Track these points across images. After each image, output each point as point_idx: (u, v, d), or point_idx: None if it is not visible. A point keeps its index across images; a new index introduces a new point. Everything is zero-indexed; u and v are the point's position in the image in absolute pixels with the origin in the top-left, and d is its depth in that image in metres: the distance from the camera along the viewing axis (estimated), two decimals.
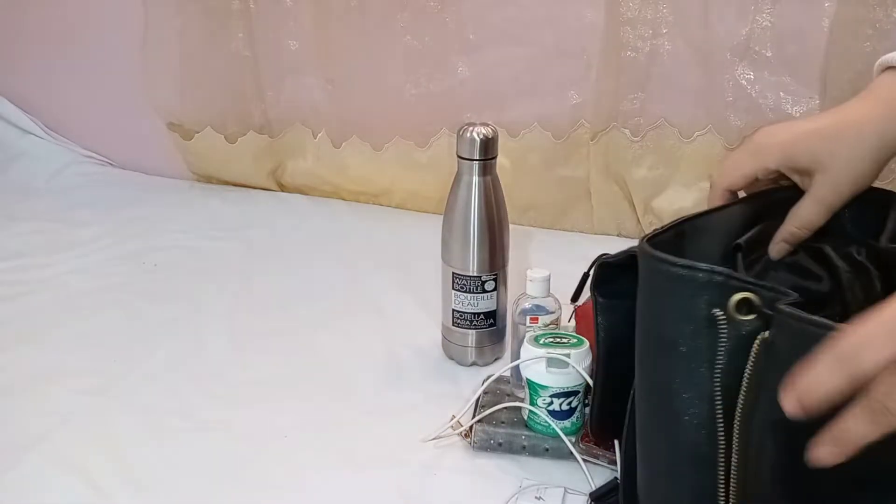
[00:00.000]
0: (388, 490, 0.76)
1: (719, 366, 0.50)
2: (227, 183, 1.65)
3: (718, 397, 0.50)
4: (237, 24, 1.47)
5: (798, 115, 1.19)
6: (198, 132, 1.57)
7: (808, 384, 0.42)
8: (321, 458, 0.81)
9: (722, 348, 0.49)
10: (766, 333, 0.46)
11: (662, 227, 0.59)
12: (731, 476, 0.51)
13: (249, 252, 1.34)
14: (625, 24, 1.22)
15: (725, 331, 0.49)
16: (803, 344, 0.44)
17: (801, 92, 1.18)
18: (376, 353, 1.01)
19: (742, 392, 0.48)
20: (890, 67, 0.61)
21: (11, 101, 1.78)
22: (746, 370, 0.47)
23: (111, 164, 1.76)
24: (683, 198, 1.30)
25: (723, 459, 0.51)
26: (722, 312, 0.49)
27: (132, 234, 1.40)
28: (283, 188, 1.63)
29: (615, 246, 1.23)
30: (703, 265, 0.50)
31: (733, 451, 0.51)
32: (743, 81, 1.19)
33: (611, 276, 0.64)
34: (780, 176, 0.64)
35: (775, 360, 0.46)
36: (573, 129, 1.33)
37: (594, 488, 0.74)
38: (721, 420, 0.51)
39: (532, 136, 1.35)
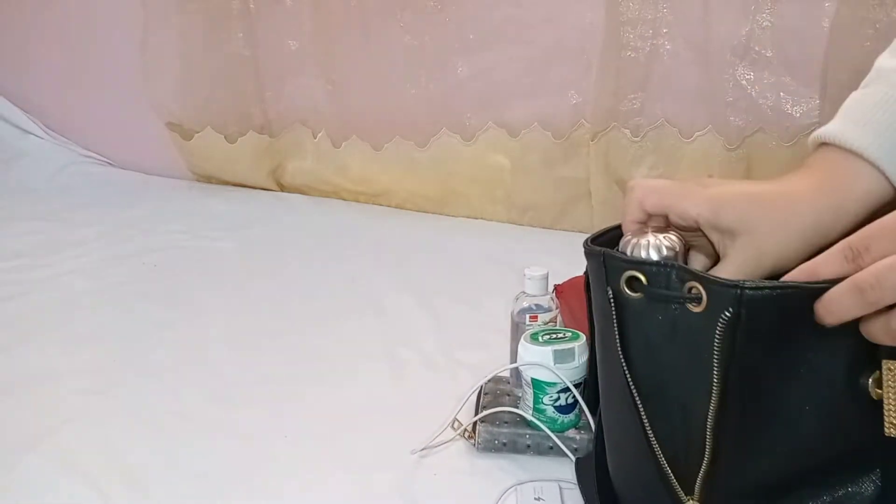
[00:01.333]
0: (387, 490, 0.76)
1: (617, 341, 0.54)
2: (227, 183, 1.65)
3: (625, 368, 0.54)
4: (237, 24, 1.48)
5: (798, 115, 1.19)
6: (198, 132, 1.57)
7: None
8: (321, 459, 0.81)
9: (615, 324, 0.54)
10: (729, 310, 0.47)
11: (607, 228, 0.61)
12: (669, 456, 0.54)
13: (249, 252, 1.34)
14: (625, 24, 1.22)
15: (614, 309, 0.54)
16: (772, 312, 0.46)
17: (801, 92, 1.18)
18: (376, 353, 1.01)
19: (715, 371, 0.49)
20: (824, 143, 0.57)
21: (11, 101, 1.78)
22: (714, 351, 0.48)
23: (111, 164, 1.77)
24: None
25: (651, 432, 0.54)
26: (611, 290, 0.54)
27: (132, 234, 1.40)
28: (283, 188, 1.63)
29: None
30: (598, 249, 0.55)
31: (656, 419, 0.54)
32: (743, 81, 1.19)
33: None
34: (683, 228, 0.58)
35: (748, 334, 0.47)
36: (573, 129, 1.33)
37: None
38: (635, 392, 0.54)
39: (532, 136, 1.35)
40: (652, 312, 0.52)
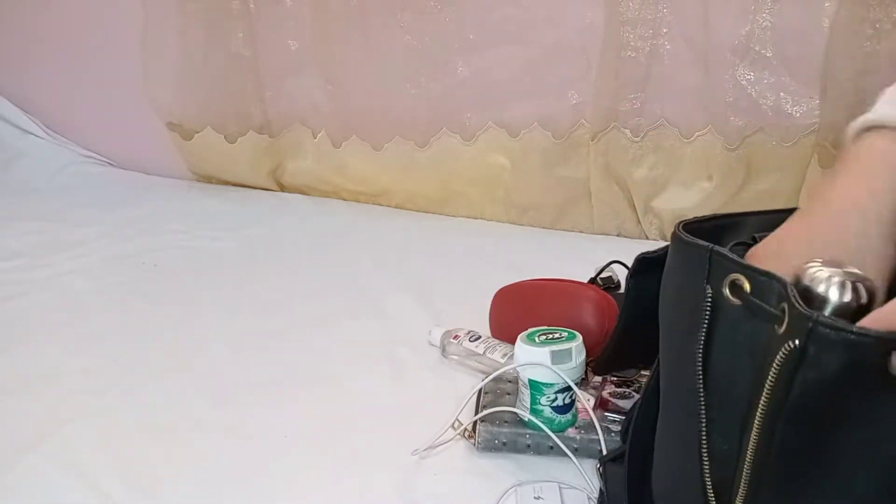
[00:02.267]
0: (388, 490, 0.76)
1: (700, 344, 0.51)
2: (227, 183, 1.65)
3: (700, 373, 0.51)
4: (237, 24, 1.48)
5: (798, 115, 1.19)
6: (198, 132, 1.57)
7: None
8: (321, 458, 0.81)
9: (705, 326, 0.51)
10: (796, 342, 0.44)
11: (701, 217, 0.58)
12: (715, 478, 0.52)
13: (249, 252, 1.34)
14: (625, 24, 1.22)
15: (708, 310, 0.50)
16: (842, 355, 0.43)
17: (801, 92, 1.18)
18: (376, 353, 1.01)
19: (766, 392, 0.46)
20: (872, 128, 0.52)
21: (11, 101, 1.78)
22: (771, 373, 0.46)
23: (111, 164, 1.77)
24: (683, 198, 1.30)
25: (704, 433, 0.52)
26: (711, 290, 0.50)
27: (132, 234, 1.40)
28: (283, 188, 1.63)
29: (615, 246, 1.24)
30: (704, 242, 0.51)
31: (716, 428, 0.51)
32: (743, 81, 1.19)
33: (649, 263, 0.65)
34: None
35: (811, 372, 0.44)
36: (573, 129, 1.33)
37: (605, 452, 0.75)
38: (703, 399, 0.51)
39: (532, 136, 1.35)
40: (745, 322, 0.49)
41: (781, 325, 0.45)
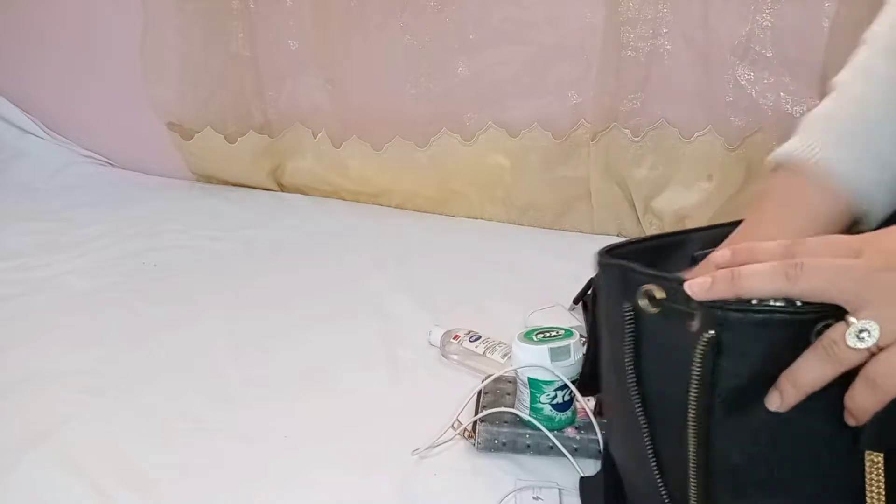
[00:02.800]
0: (387, 490, 0.76)
1: (629, 358, 0.53)
2: (227, 183, 1.65)
3: (634, 387, 0.53)
4: (237, 24, 1.47)
5: (798, 115, 1.19)
6: (198, 132, 1.57)
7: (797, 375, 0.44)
8: (321, 459, 0.81)
9: (630, 339, 0.52)
10: (712, 332, 0.45)
11: (638, 238, 0.61)
12: (668, 466, 0.52)
13: (249, 252, 1.34)
14: (625, 24, 1.22)
15: (632, 323, 0.52)
16: (755, 335, 0.45)
17: (801, 92, 1.18)
18: (376, 353, 1.01)
19: (693, 389, 0.48)
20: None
21: (11, 101, 1.78)
22: (694, 370, 0.47)
23: (111, 164, 1.77)
24: (683, 198, 1.30)
25: (650, 447, 0.53)
26: (629, 304, 0.52)
27: (132, 234, 1.40)
28: (283, 188, 1.63)
29: None
30: (618, 261, 0.54)
31: (661, 439, 0.52)
32: (743, 81, 1.19)
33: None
34: None
35: (727, 356, 0.46)
36: (573, 129, 1.33)
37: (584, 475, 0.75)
38: (641, 412, 0.52)
39: (532, 136, 1.35)
40: (667, 328, 0.50)
41: (694, 320, 0.47)
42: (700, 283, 0.46)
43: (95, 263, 1.29)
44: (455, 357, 0.97)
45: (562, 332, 0.80)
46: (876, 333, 0.41)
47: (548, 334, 0.80)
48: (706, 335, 0.45)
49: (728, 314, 0.45)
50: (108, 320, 1.11)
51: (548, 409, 0.79)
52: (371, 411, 0.89)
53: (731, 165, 1.24)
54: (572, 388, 0.78)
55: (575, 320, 1.04)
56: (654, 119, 1.27)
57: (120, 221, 1.46)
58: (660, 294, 0.50)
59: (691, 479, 0.50)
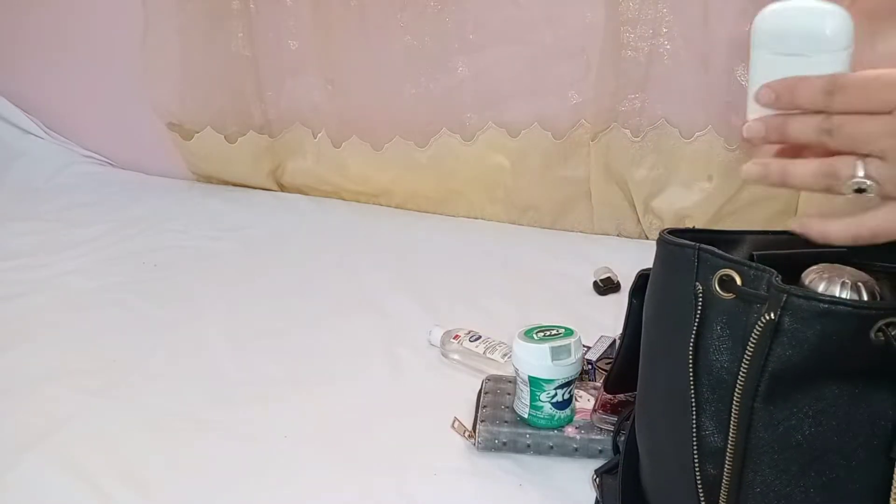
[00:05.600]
0: (387, 490, 0.76)
1: (692, 339, 0.52)
2: (227, 183, 1.65)
3: (691, 368, 0.52)
4: (237, 24, 1.47)
5: None
6: (198, 132, 1.57)
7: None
8: (321, 458, 0.81)
9: (696, 321, 0.52)
10: (773, 315, 0.46)
11: (693, 228, 0.60)
12: (706, 446, 0.52)
13: (249, 252, 1.34)
14: (625, 24, 1.22)
15: (700, 306, 0.52)
16: (815, 324, 0.45)
17: None
18: (376, 353, 1.01)
19: (742, 370, 0.48)
20: None
21: (11, 101, 1.78)
22: (748, 349, 0.47)
23: (111, 164, 1.77)
24: (683, 198, 1.30)
25: (694, 428, 0.53)
26: (700, 286, 0.52)
27: (132, 234, 1.40)
28: (283, 188, 1.63)
29: (615, 246, 1.24)
30: (692, 243, 0.53)
31: (706, 421, 0.52)
32: (743, 81, 1.19)
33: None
34: None
35: (783, 340, 0.46)
36: (573, 129, 1.33)
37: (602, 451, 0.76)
38: (693, 395, 0.52)
39: (532, 136, 1.35)
40: (737, 313, 0.50)
41: (763, 305, 0.47)
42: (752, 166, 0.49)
43: (95, 263, 1.29)
44: (455, 357, 0.97)
45: (562, 330, 0.80)
46: (873, 191, 0.43)
47: (548, 333, 0.80)
48: (766, 317, 0.46)
49: (793, 299, 0.45)
50: (108, 320, 1.11)
51: (548, 408, 0.79)
52: (371, 411, 0.89)
53: (731, 165, 1.24)
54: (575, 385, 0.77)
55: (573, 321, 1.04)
56: (654, 119, 1.27)
57: (120, 221, 1.45)
58: (738, 280, 0.50)
59: (727, 461, 0.50)
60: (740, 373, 0.48)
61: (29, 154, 1.73)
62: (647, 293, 0.60)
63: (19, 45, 1.73)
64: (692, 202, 1.29)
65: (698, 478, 0.53)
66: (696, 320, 0.52)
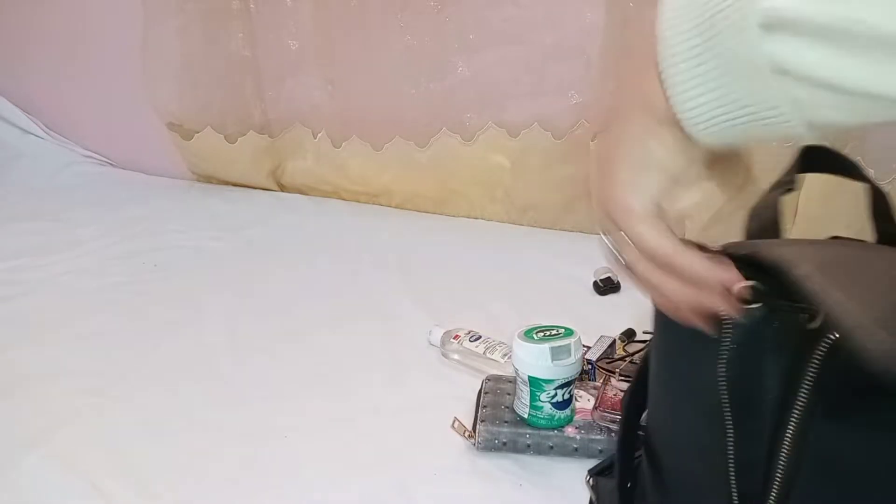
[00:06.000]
0: (388, 490, 0.76)
1: (724, 355, 0.50)
2: (227, 183, 1.65)
3: (723, 385, 0.50)
4: (237, 24, 1.47)
5: None
6: (198, 132, 1.57)
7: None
8: (321, 459, 0.81)
9: (728, 335, 0.50)
10: (836, 335, 0.43)
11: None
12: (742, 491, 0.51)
13: (249, 252, 1.34)
14: (625, 24, 1.21)
15: (731, 320, 0.49)
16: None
17: None
18: (376, 354, 1.01)
19: (804, 387, 0.46)
20: None
21: (11, 101, 1.78)
22: (809, 371, 0.45)
23: (111, 164, 1.77)
24: (683, 198, 1.30)
25: (731, 442, 0.51)
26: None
27: (132, 234, 1.40)
28: (283, 188, 1.63)
29: None
30: (718, 249, 0.52)
31: (744, 436, 0.50)
32: None
33: None
34: None
35: (844, 361, 0.43)
36: (573, 129, 1.33)
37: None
38: (728, 410, 0.50)
39: (532, 136, 1.35)
40: (770, 324, 0.48)
41: (814, 319, 0.45)
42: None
43: (95, 263, 1.29)
44: (455, 357, 0.97)
45: (562, 330, 0.80)
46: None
47: (548, 333, 0.80)
48: (831, 336, 0.44)
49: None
50: (107, 320, 1.11)
51: (548, 408, 0.79)
52: (371, 411, 0.89)
53: (731, 165, 1.24)
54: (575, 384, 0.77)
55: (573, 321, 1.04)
56: None
57: (120, 221, 1.46)
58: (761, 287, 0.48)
59: (777, 475, 0.48)
60: (800, 392, 0.46)
61: (29, 154, 1.73)
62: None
63: (20, 45, 1.73)
64: (692, 202, 1.29)
65: (734, 491, 0.51)
66: (728, 334, 0.49)
